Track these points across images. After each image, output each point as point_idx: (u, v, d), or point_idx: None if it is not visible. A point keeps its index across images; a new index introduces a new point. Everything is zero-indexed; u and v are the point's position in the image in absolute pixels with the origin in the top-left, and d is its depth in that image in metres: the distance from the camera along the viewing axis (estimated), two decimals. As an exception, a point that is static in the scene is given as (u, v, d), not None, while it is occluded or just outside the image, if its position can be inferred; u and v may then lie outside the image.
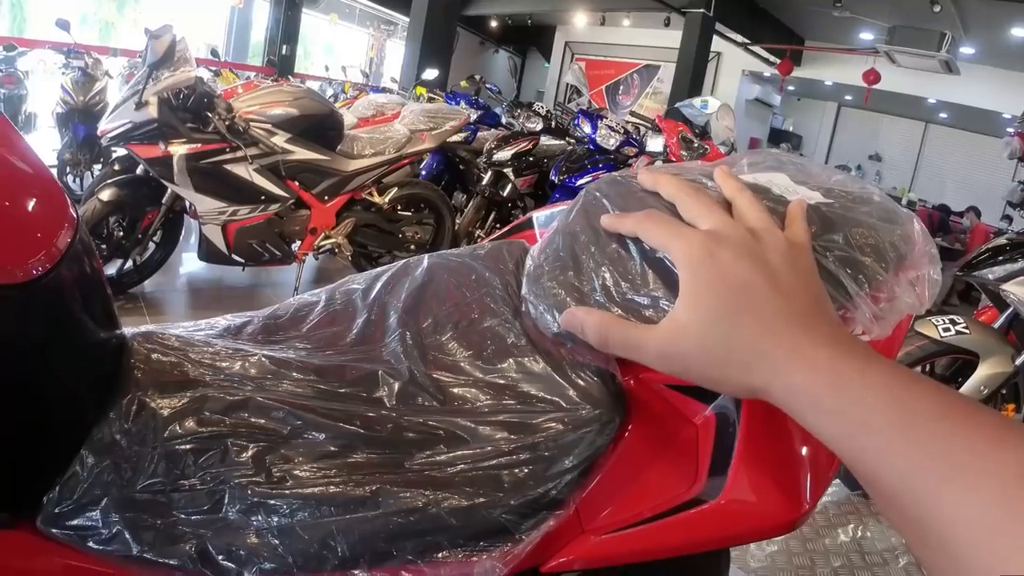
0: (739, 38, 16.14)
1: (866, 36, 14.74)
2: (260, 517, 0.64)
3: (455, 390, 0.70)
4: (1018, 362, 3.08)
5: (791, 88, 19.38)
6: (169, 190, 4.08)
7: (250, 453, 0.65)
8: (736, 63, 18.14)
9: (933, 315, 3.19)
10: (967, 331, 3.07)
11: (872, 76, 14.22)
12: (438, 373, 0.71)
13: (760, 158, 0.79)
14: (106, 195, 4.03)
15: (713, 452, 0.68)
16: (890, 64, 14.06)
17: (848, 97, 19.47)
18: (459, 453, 0.66)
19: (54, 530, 0.63)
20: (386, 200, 4.87)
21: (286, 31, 15.22)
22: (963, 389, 3.04)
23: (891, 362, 0.52)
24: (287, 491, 0.64)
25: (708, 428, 0.70)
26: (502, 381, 0.70)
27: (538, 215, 0.90)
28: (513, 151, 5.95)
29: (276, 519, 0.63)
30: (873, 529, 3.10)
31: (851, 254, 0.68)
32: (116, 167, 4.56)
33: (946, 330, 3.07)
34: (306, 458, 0.66)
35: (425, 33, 11.53)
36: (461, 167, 6.57)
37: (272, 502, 0.64)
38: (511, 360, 0.71)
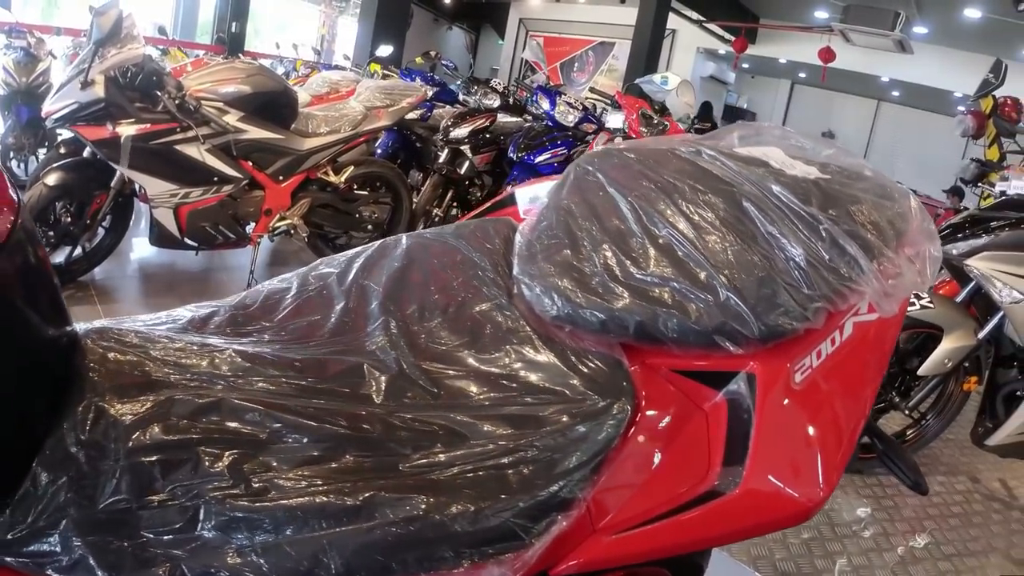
0: (694, 15, 16.17)
1: (821, 14, 14.86)
2: (241, 534, 0.57)
3: (450, 382, 0.64)
4: (980, 335, 3.12)
5: (745, 66, 19.48)
6: (118, 173, 3.95)
7: (225, 462, 0.59)
8: (691, 40, 18.19)
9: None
10: (931, 305, 3.09)
11: (827, 54, 14.34)
12: (429, 364, 0.65)
13: (750, 131, 0.76)
14: (52, 179, 3.88)
15: (727, 440, 0.64)
16: (844, 43, 14.18)
17: (802, 75, 19.62)
18: (459, 452, 0.60)
19: (8, 558, 0.56)
20: (342, 179, 4.78)
21: (236, 8, 14.87)
22: (927, 362, 3.07)
23: None
24: (269, 503, 0.58)
25: (719, 414, 0.65)
26: (500, 371, 0.64)
27: (521, 191, 0.85)
28: (470, 128, 5.88)
29: (259, 535, 0.57)
30: (841, 501, 3.13)
31: (857, 229, 0.64)
32: (62, 150, 4.42)
33: (911, 304, 3.08)
34: (288, 465, 0.59)
35: (379, 9, 11.38)
36: (417, 145, 6.48)
37: (253, 516, 0.57)
38: (509, 347, 0.65)
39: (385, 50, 8.90)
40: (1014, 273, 2.94)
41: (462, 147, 5.90)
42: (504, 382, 0.64)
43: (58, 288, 0.67)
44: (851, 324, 0.79)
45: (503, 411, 0.62)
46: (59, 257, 4.11)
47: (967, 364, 3.24)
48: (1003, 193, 3.70)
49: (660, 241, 0.60)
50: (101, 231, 4.28)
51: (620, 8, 16.58)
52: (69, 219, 4.07)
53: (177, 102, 3.81)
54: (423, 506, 0.58)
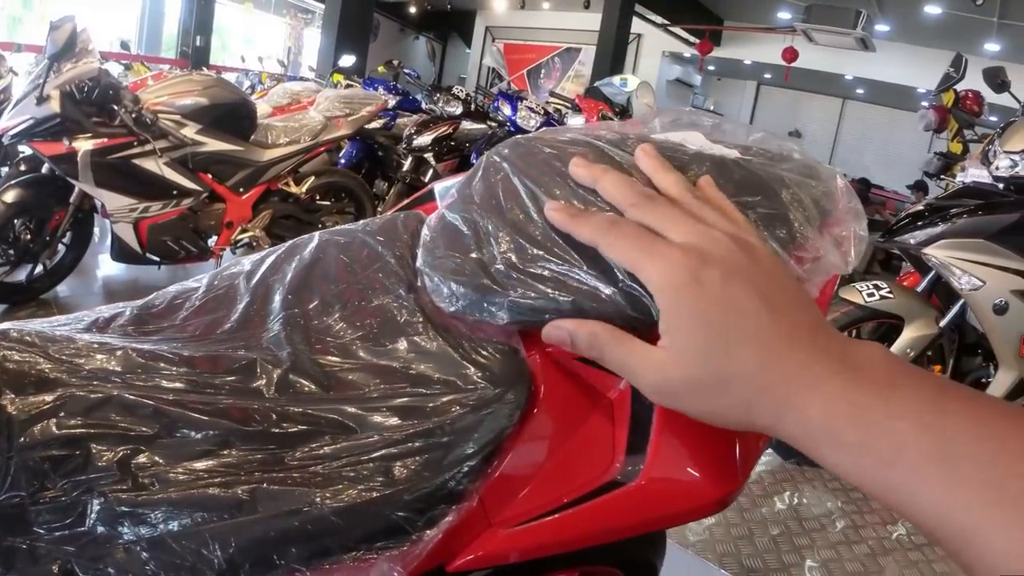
0: (658, 19, 16.27)
1: (784, 15, 15.00)
2: (128, 529, 0.56)
3: (342, 375, 0.63)
4: (942, 324, 3.14)
5: (711, 68, 19.63)
6: (76, 188, 3.89)
7: (115, 457, 0.57)
8: (656, 44, 18.31)
9: (857, 281, 3.23)
10: (891, 295, 3.10)
11: (790, 54, 14.47)
12: (324, 357, 0.64)
13: (674, 116, 0.74)
14: (10, 196, 3.82)
15: (630, 428, 0.62)
16: (807, 42, 14.29)
17: (767, 76, 19.79)
18: (345, 444, 0.58)
19: None
20: (303, 190, 4.75)
21: (200, 22, 14.83)
22: (888, 354, 3.07)
23: (914, 378, 0.46)
24: (156, 497, 0.56)
25: (624, 402, 0.63)
26: (394, 363, 0.63)
27: (439, 186, 0.83)
28: (433, 136, 5.88)
29: (145, 530, 0.56)
30: (809, 495, 3.13)
31: (772, 212, 0.63)
32: (22, 167, 4.37)
33: (870, 295, 3.10)
34: (176, 459, 0.58)
35: (341, 19, 11.37)
36: (380, 154, 6.46)
37: (140, 511, 0.56)
38: (404, 339, 0.64)
39: (348, 60, 8.89)
40: (972, 260, 2.95)
41: (425, 155, 5.90)
42: (396, 374, 0.62)
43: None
44: None
45: (392, 403, 0.60)
46: (20, 275, 4.06)
47: (930, 353, 3.25)
48: (963, 183, 3.73)
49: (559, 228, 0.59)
50: (62, 248, 4.22)
51: (585, 14, 16.65)
52: (29, 236, 4.00)
53: (134, 116, 3.78)
54: (306, 499, 0.56)
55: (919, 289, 3.30)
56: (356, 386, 0.62)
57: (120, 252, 4.10)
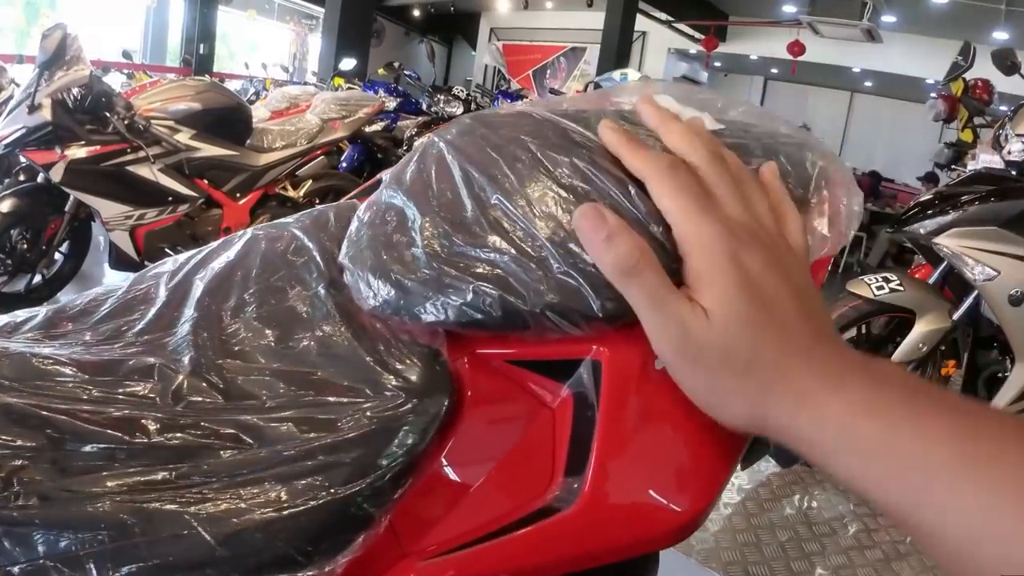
0: (663, 16, 16.19)
1: (789, 8, 14.87)
2: (6, 547, 0.49)
3: (244, 382, 0.55)
4: (955, 316, 3.01)
5: (717, 64, 19.52)
6: (71, 197, 3.87)
7: None
8: (661, 42, 18.23)
9: (866, 274, 3.13)
10: (901, 288, 2.99)
11: (797, 48, 14.37)
12: (228, 362, 0.56)
13: (648, 87, 0.66)
14: (5, 206, 3.81)
15: (570, 444, 0.53)
16: (814, 35, 14.20)
17: (774, 70, 19.67)
18: (237, 459, 0.51)
19: None
20: (301, 194, 4.72)
21: (203, 29, 14.85)
22: (901, 348, 2.97)
23: (934, 390, 0.44)
24: (36, 515, 0.49)
25: (566, 413, 0.55)
26: (301, 368, 0.55)
27: (387, 174, 0.75)
28: (435, 137, 5.82)
29: (25, 550, 0.49)
30: (819, 498, 3.04)
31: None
32: (21, 177, 4.35)
33: (880, 288, 2.99)
34: (61, 475, 0.51)
35: (341, 23, 11.34)
36: (381, 157, 6.41)
37: (19, 530, 0.49)
38: (315, 342, 0.56)
39: (348, 64, 8.81)
40: (986, 249, 2.84)
41: (427, 156, 5.83)
42: (302, 380, 0.55)
43: None
44: None
45: (294, 414, 0.53)
46: (19, 284, 4.04)
47: (943, 348, 3.14)
48: (974, 171, 3.63)
49: (490, 211, 0.51)
50: (60, 257, 4.22)
51: (589, 12, 16.57)
52: (25, 246, 3.99)
53: (126, 122, 3.75)
54: (189, 524, 0.49)
55: (931, 281, 3.19)
56: (257, 395, 0.54)
57: (118, 260, 4.07)
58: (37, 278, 4.12)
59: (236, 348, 0.57)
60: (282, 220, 0.70)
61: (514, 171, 0.52)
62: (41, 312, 0.67)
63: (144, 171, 3.87)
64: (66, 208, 3.97)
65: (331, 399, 0.53)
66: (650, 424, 0.52)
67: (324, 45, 11.94)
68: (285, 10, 19.12)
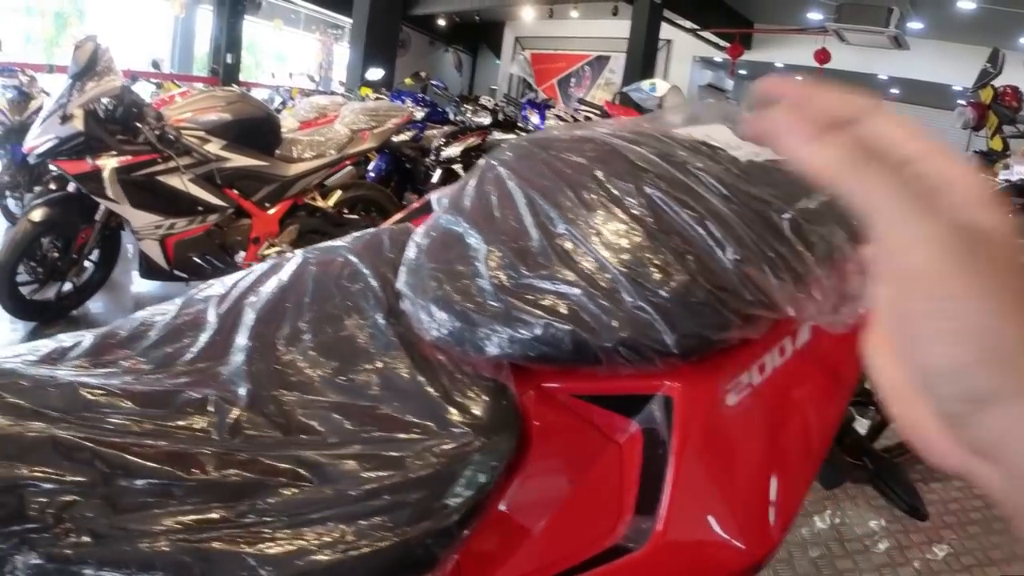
0: (688, 24, 16.14)
1: (814, 16, 14.81)
2: None
3: (303, 415, 0.54)
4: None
5: (743, 72, 19.44)
6: (102, 206, 3.89)
7: (49, 507, 0.50)
8: (687, 49, 18.18)
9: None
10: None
11: (823, 56, 14.30)
12: (285, 394, 0.55)
13: (700, 110, 0.65)
14: (37, 215, 3.85)
15: (640, 482, 0.52)
16: (840, 43, 14.13)
17: (799, 78, 19.54)
18: (300, 498, 0.49)
19: None
20: (330, 204, 4.71)
21: (230, 39, 14.95)
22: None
23: None
24: (88, 553, 0.48)
25: (634, 448, 0.53)
26: (363, 402, 0.53)
27: (436, 195, 0.74)
28: (462, 147, 5.82)
29: None
30: (851, 514, 2.99)
31: (810, 220, 0.54)
32: (52, 186, 4.38)
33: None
34: (114, 512, 0.50)
35: (368, 33, 11.37)
36: (409, 166, 6.42)
37: (72, 568, 0.48)
38: (377, 374, 0.54)
39: (375, 73, 8.84)
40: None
41: (454, 166, 5.83)
42: (364, 415, 0.53)
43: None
44: (808, 329, 0.68)
45: (356, 450, 0.51)
46: (49, 292, 4.07)
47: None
48: (1007, 181, 3.58)
49: (557, 241, 0.50)
50: (90, 265, 4.23)
51: (614, 21, 16.55)
52: (56, 254, 4.03)
53: (157, 133, 3.76)
54: (251, 565, 0.48)
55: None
56: (317, 430, 0.53)
57: (148, 269, 4.09)
58: (67, 286, 4.14)
59: (293, 379, 0.56)
60: (332, 243, 0.70)
61: (580, 199, 0.51)
62: (88, 337, 0.67)
63: (175, 181, 3.89)
64: (96, 217, 3.98)
65: (395, 435, 0.51)
66: (721, 462, 0.50)
67: (352, 55, 11.98)
68: (311, 20, 19.23)
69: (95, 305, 4.36)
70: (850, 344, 0.66)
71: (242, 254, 4.37)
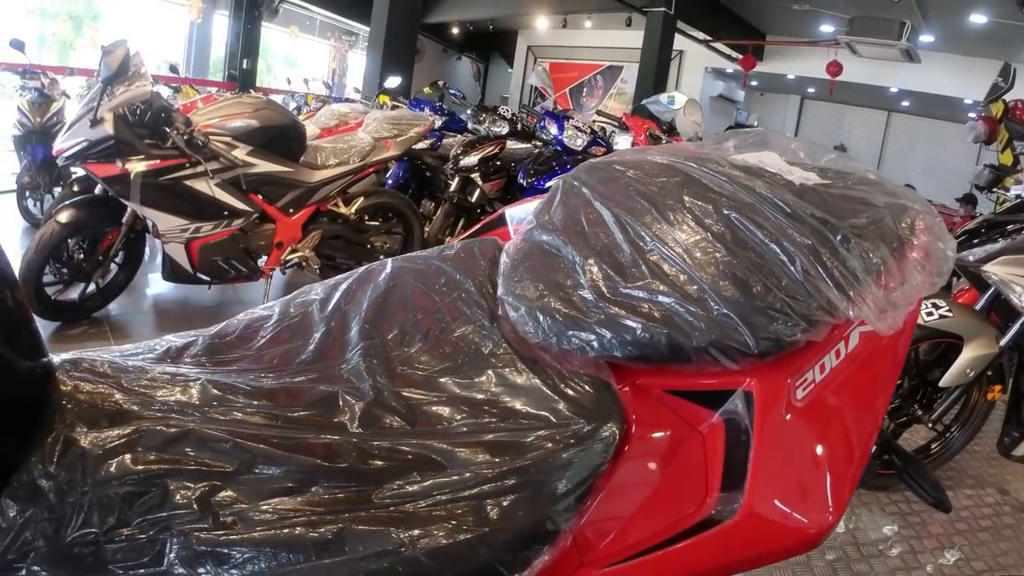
0: (701, 35, 16.20)
1: (826, 28, 14.84)
2: (208, 570, 0.54)
3: (427, 409, 0.61)
4: (1002, 342, 3.03)
5: (754, 83, 19.49)
6: (129, 209, 3.96)
7: (193, 495, 0.56)
8: (699, 60, 18.23)
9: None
10: (950, 314, 3.01)
11: (834, 68, 14.35)
12: (407, 390, 0.62)
13: (744, 138, 0.73)
14: (64, 217, 3.90)
15: (725, 463, 0.60)
16: (851, 55, 14.17)
17: (811, 90, 19.61)
18: (435, 482, 0.56)
19: None
20: (352, 210, 4.78)
21: (246, 45, 15.08)
22: (949, 373, 2.99)
23: None
24: (237, 536, 0.55)
25: (716, 436, 0.61)
26: (481, 396, 0.61)
27: (511, 211, 0.82)
28: (480, 156, 5.87)
29: (226, 570, 0.54)
30: (866, 519, 3.05)
31: (858, 236, 0.61)
32: (75, 188, 4.44)
33: (929, 314, 3.01)
34: (258, 497, 0.56)
35: (387, 41, 11.42)
36: (428, 174, 6.48)
37: (221, 551, 0.54)
38: (490, 371, 0.62)
39: (393, 81, 8.92)
40: (1034, 277, 2.87)
41: (472, 175, 5.89)
42: (484, 408, 0.61)
43: (32, 321, 0.65)
44: (857, 334, 0.75)
45: (482, 438, 0.59)
46: (73, 293, 4.13)
47: (990, 373, 3.16)
48: (1019, 196, 3.64)
49: (648, 255, 0.57)
50: (114, 267, 4.29)
51: (627, 31, 16.61)
52: (82, 255, 4.10)
53: (186, 138, 3.82)
54: (396, 540, 0.54)
55: (978, 307, 3.21)
56: (442, 420, 0.60)
57: (171, 272, 4.16)
58: (91, 288, 4.20)
59: (412, 376, 0.63)
60: (420, 253, 0.76)
61: (665, 218, 0.58)
62: (197, 337, 0.73)
63: (201, 185, 3.95)
64: (123, 220, 4.05)
65: (513, 425, 0.59)
66: (792, 448, 0.58)
67: (369, 62, 12.03)
68: (327, 27, 19.32)
69: (114, 307, 4.42)
70: (892, 349, 0.73)
71: (264, 258, 4.44)
